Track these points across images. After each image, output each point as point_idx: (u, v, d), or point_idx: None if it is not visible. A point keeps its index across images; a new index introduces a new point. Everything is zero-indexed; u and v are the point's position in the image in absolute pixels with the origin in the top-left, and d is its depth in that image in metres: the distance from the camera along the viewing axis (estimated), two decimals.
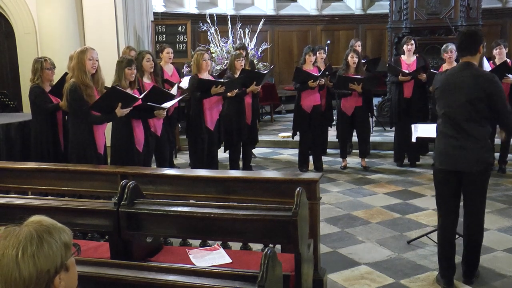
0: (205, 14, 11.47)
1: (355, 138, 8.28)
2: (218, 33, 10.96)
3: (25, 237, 1.63)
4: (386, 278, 4.43)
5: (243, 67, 7.39)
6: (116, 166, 4.91)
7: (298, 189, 3.19)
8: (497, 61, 7.42)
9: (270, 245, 3.53)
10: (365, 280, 4.41)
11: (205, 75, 6.90)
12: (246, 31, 11.19)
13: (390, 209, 6.18)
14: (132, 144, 5.61)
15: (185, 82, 7.58)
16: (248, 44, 10.92)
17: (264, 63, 11.14)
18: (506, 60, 7.34)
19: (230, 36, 11.13)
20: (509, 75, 7.16)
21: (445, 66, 7.56)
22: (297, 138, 8.09)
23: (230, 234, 3.31)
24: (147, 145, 5.95)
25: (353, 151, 8.79)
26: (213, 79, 7.04)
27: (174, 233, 3.69)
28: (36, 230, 1.66)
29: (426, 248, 4.97)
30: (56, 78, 6.35)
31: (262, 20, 11.72)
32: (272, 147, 9.70)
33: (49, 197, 4.21)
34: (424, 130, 5.07)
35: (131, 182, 3.44)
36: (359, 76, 7.59)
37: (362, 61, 8.31)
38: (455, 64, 7.42)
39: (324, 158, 8.34)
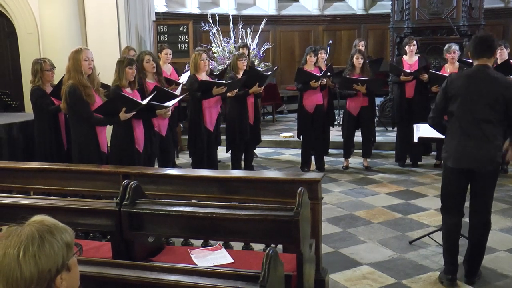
0: (207, 14, 11.47)
1: (357, 138, 8.27)
2: (220, 33, 10.96)
3: (26, 237, 1.63)
4: (388, 279, 4.42)
5: (245, 67, 7.38)
6: (118, 166, 4.91)
7: (300, 189, 3.19)
8: (499, 62, 7.40)
9: (272, 245, 3.53)
10: (367, 280, 4.41)
11: (203, 75, 6.89)
12: (248, 31, 11.18)
13: (392, 209, 6.17)
14: (132, 144, 5.61)
15: (184, 78, 7.58)
16: (250, 44, 10.91)
17: (266, 63, 11.13)
18: (508, 60, 7.33)
19: (232, 36, 11.12)
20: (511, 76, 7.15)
21: (447, 67, 7.55)
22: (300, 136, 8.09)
23: (232, 234, 3.31)
24: (150, 145, 5.95)
25: (355, 151, 8.78)
26: (212, 79, 7.05)
27: (176, 233, 3.70)
28: (37, 230, 1.66)
29: (428, 248, 4.96)
30: (57, 78, 6.35)
31: (264, 20, 11.71)
32: (274, 147, 9.70)
33: (51, 197, 4.21)
34: (426, 130, 5.06)
35: (133, 182, 3.44)
36: (363, 78, 7.59)
37: None
38: (457, 64, 7.44)
39: (326, 158, 8.34)
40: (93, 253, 3.60)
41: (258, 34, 11.27)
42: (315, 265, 3.80)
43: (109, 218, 3.40)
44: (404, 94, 7.80)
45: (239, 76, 7.26)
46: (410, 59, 7.92)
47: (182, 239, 4.25)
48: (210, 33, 10.97)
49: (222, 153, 8.00)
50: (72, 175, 4.56)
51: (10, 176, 4.68)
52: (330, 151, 8.98)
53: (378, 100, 9.62)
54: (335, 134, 9.16)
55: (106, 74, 5.95)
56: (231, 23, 11.26)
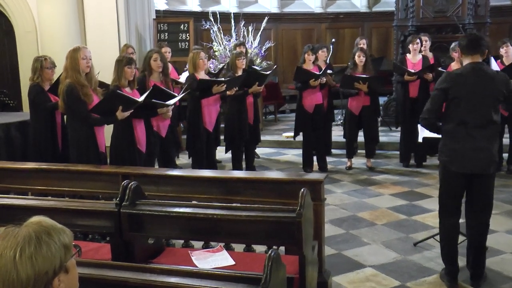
0: (208, 12, 11.45)
1: (361, 138, 8.27)
2: (221, 31, 10.95)
3: (23, 238, 1.63)
4: (392, 281, 4.42)
5: (244, 66, 7.37)
6: (117, 166, 4.91)
7: (302, 190, 3.19)
8: (505, 60, 7.40)
9: (274, 247, 3.53)
10: (370, 283, 4.40)
11: (202, 74, 6.89)
12: (250, 29, 11.16)
13: (396, 211, 6.16)
14: (133, 145, 5.61)
15: (183, 77, 7.58)
16: (251, 42, 10.91)
17: (268, 62, 11.12)
18: None
19: (233, 34, 11.11)
20: None
21: (453, 65, 7.54)
22: (300, 138, 8.08)
23: (233, 235, 3.31)
24: (150, 145, 5.95)
25: (359, 151, 8.77)
26: (211, 78, 7.04)
27: (177, 235, 3.70)
28: (35, 231, 1.66)
29: (432, 250, 4.95)
30: (56, 77, 6.35)
31: (266, 18, 11.69)
32: (275, 147, 9.69)
33: (49, 197, 4.21)
34: None
35: (132, 183, 3.45)
36: (364, 75, 7.58)
37: None
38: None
39: (329, 159, 8.33)
40: (92, 254, 3.59)
41: (259, 32, 11.26)
42: (317, 267, 3.79)
43: (108, 219, 3.40)
44: (408, 93, 7.80)
45: (238, 75, 7.24)
46: (414, 58, 7.91)
47: (182, 241, 4.26)
48: (211, 31, 10.96)
49: (223, 154, 8.00)
50: (71, 175, 4.57)
51: (7, 177, 4.69)
52: (333, 151, 8.97)
53: (382, 100, 9.61)
54: (338, 134, 9.15)
55: (106, 73, 5.95)
56: (232, 21, 11.24)
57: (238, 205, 3.68)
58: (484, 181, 4.16)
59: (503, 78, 4.14)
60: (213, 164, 7.10)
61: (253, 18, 12.10)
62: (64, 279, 1.68)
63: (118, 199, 3.40)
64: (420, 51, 7.94)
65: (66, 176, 4.57)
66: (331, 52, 8.78)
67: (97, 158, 5.25)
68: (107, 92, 5.46)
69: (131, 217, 3.34)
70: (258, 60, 10.61)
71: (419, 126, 5.21)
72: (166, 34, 10.33)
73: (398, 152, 8.43)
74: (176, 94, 6.31)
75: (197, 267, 3.36)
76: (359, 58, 7.71)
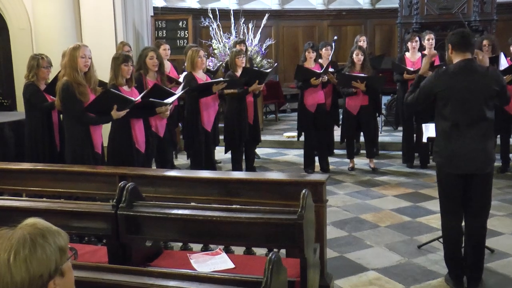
0: (207, 9, 11.47)
1: (363, 138, 8.27)
2: (221, 28, 10.96)
3: (17, 241, 1.63)
4: (396, 285, 4.42)
5: (244, 64, 7.36)
6: (114, 167, 4.91)
7: (303, 191, 3.19)
8: None
9: (275, 250, 3.53)
10: (373, 286, 4.40)
11: (200, 73, 6.89)
12: (250, 27, 11.18)
13: (399, 212, 6.16)
14: (132, 145, 5.61)
15: (182, 77, 7.59)
16: (251, 40, 10.91)
17: (268, 60, 11.13)
18: None
19: (233, 32, 11.12)
20: None
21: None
22: (302, 138, 8.08)
23: (232, 238, 3.31)
24: (148, 145, 5.95)
25: (361, 151, 8.78)
26: (208, 76, 7.05)
27: (175, 237, 3.69)
28: (29, 233, 1.65)
29: (437, 253, 4.95)
30: (52, 76, 6.35)
31: (266, 15, 11.71)
32: (276, 147, 9.70)
33: (45, 199, 4.21)
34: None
35: (130, 184, 3.44)
36: (362, 74, 7.58)
37: None
38: None
39: (331, 159, 8.33)
40: (89, 257, 3.59)
41: (260, 30, 11.27)
42: (319, 271, 3.79)
43: (105, 221, 3.40)
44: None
45: (238, 74, 7.24)
46: (413, 56, 7.92)
47: (181, 243, 4.25)
48: (210, 29, 10.97)
49: (223, 154, 8.01)
50: (66, 176, 4.57)
51: (1, 177, 4.68)
52: (335, 151, 8.97)
53: (385, 99, 9.62)
54: (340, 134, 9.15)
55: (102, 71, 5.94)
56: (232, 18, 11.25)
57: (238, 206, 3.68)
58: (481, 181, 4.17)
59: (494, 74, 4.18)
60: (212, 164, 7.10)
61: (253, 15, 12.12)
62: (59, 283, 1.68)
63: (115, 200, 3.39)
64: (424, 49, 7.94)
65: (61, 177, 4.57)
66: (333, 50, 8.78)
67: (92, 158, 5.26)
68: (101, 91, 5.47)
69: (128, 219, 3.33)
70: (259, 58, 10.62)
71: (423, 126, 5.23)
72: (164, 31, 10.33)
73: (401, 153, 8.44)
74: (175, 92, 6.32)
75: (196, 270, 3.36)
76: (357, 57, 7.70)
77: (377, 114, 8.28)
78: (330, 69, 7.92)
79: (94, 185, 4.45)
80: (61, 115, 6.08)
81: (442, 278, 4.48)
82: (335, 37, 11.15)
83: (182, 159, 8.85)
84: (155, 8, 11.02)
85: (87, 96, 5.16)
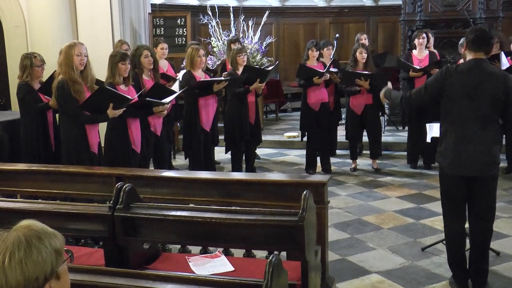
0: (206, 6, 11.47)
1: (365, 138, 8.27)
2: (220, 26, 10.96)
3: (12, 243, 1.63)
4: None
5: (245, 62, 7.36)
6: (111, 168, 4.92)
7: (304, 192, 3.19)
8: None
9: (275, 252, 3.52)
10: None
11: (199, 72, 6.89)
12: (250, 24, 11.18)
13: (403, 214, 6.17)
14: (128, 145, 5.62)
15: (181, 76, 7.58)
16: (251, 38, 10.91)
17: (269, 58, 11.13)
18: None
19: (233, 29, 11.12)
20: None
21: (462, 62, 7.55)
22: (305, 138, 8.08)
23: (232, 240, 3.31)
24: (146, 145, 5.96)
25: (364, 152, 8.78)
26: (208, 75, 7.05)
27: (173, 239, 3.69)
28: (24, 235, 1.66)
29: (441, 256, 4.95)
30: (46, 74, 6.35)
31: (267, 12, 11.70)
32: (277, 147, 9.70)
33: (40, 200, 4.22)
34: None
35: (127, 185, 3.45)
36: (366, 72, 7.58)
37: None
38: None
39: (333, 160, 8.34)
40: (85, 260, 3.60)
41: (260, 27, 11.27)
42: (321, 274, 3.79)
43: (101, 223, 3.40)
44: None
45: (239, 72, 7.24)
46: (420, 54, 7.91)
47: (179, 246, 4.25)
48: (210, 26, 10.97)
49: (222, 154, 8.01)
50: (62, 177, 4.57)
51: None
52: (338, 152, 8.97)
53: None
54: (342, 133, 9.15)
55: (99, 69, 5.94)
56: (231, 15, 11.26)
57: (238, 208, 3.68)
58: (485, 183, 4.17)
59: (503, 75, 4.15)
60: (211, 164, 7.10)
61: (253, 12, 12.12)
62: (55, 286, 1.68)
63: (111, 202, 3.40)
64: (427, 47, 7.95)
65: (57, 178, 4.57)
66: (335, 48, 8.79)
67: (88, 158, 5.26)
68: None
69: (125, 221, 3.34)
70: (259, 57, 10.61)
71: (427, 125, 5.23)
72: (162, 29, 10.33)
73: (405, 153, 8.43)
74: (176, 91, 6.32)
75: (194, 273, 3.36)
76: (361, 55, 7.71)
77: (380, 114, 8.28)
78: (332, 68, 7.93)
79: (90, 186, 4.46)
80: (57, 115, 6.09)
81: (447, 281, 4.48)
82: (337, 35, 11.16)
83: (180, 159, 8.85)
84: (152, 5, 11.02)
85: (82, 95, 5.16)
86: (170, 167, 7.40)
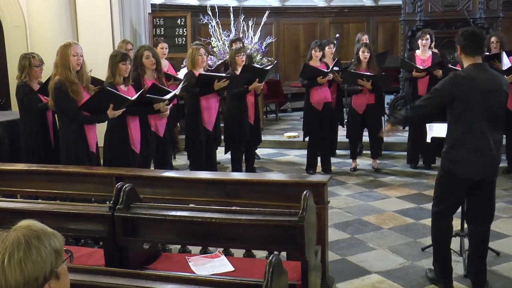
0: (206, 6, 11.47)
1: (366, 138, 8.27)
2: (220, 26, 10.96)
3: (12, 243, 1.63)
4: None
5: (244, 62, 7.35)
6: (111, 168, 4.92)
7: (305, 192, 3.19)
8: None
9: (275, 252, 3.52)
10: None
11: (201, 71, 6.87)
12: (250, 24, 11.18)
13: (403, 214, 6.16)
14: (128, 145, 5.61)
15: (181, 74, 7.58)
16: (251, 38, 10.91)
17: (269, 58, 11.13)
18: None
19: (233, 29, 11.12)
20: None
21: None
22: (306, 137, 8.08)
23: (232, 240, 3.31)
24: (147, 145, 5.95)
25: (364, 152, 8.78)
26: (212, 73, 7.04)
27: (173, 239, 3.70)
28: (24, 235, 1.66)
29: None
30: (45, 74, 6.34)
31: (267, 12, 11.70)
32: (277, 147, 9.69)
33: (40, 200, 4.22)
34: (440, 130, 5.05)
35: (127, 185, 3.45)
36: (368, 73, 7.58)
37: None
38: None
39: (333, 160, 8.33)
40: (85, 260, 3.60)
41: (260, 27, 11.27)
42: (321, 274, 3.79)
43: (101, 223, 3.40)
44: (417, 91, 7.79)
45: (238, 72, 7.23)
46: (423, 54, 7.91)
47: (179, 246, 4.25)
48: (210, 26, 10.97)
49: (223, 154, 8.00)
50: (62, 177, 4.57)
51: None
52: (338, 152, 8.96)
53: (388, 98, 9.62)
54: (342, 133, 9.15)
55: (99, 69, 5.95)
56: (231, 16, 11.25)
57: (238, 208, 3.68)
58: (488, 186, 4.20)
59: (504, 79, 4.24)
60: (212, 164, 7.09)
61: (253, 12, 12.11)
62: (55, 286, 1.68)
63: (111, 202, 3.40)
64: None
65: (57, 178, 4.57)
66: (335, 48, 8.78)
67: (87, 158, 5.26)
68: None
69: (125, 221, 3.34)
70: (259, 57, 10.61)
71: (427, 125, 5.23)
72: (162, 29, 10.33)
73: (405, 153, 8.43)
74: (173, 90, 6.32)
75: (194, 273, 3.36)
76: (363, 54, 7.71)
77: (382, 114, 8.28)
78: (334, 68, 7.94)
79: (90, 186, 4.46)
80: (56, 115, 6.08)
81: None
82: (337, 35, 11.16)
83: (181, 159, 8.85)
84: (152, 5, 11.02)
85: (80, 95, 5.16)
86: (171, 167, 7.38)
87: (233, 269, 3.51)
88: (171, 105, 6.28)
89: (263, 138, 8.28)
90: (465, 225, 4.62)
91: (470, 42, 4.09)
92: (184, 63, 10.02)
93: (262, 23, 11.42)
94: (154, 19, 10.37)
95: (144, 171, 4.79)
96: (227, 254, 3.88)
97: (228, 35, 10.82)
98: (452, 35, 9.51)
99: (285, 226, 3.12)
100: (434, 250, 4.46)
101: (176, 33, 10.35)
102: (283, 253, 3.82)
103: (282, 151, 9.49)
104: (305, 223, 3.05)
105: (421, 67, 7.68)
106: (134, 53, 6.69)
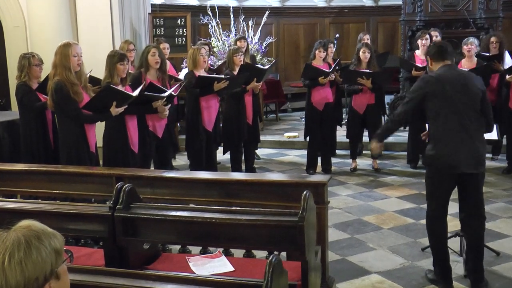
0: (206, 6, 11.47)
1: (366, 138, 8.27)
2: (220, 26, 10.96)
3: (12, 243, 1.63)
4: None
5: (242, 62, 7.33)
6: (111, 168, 4.92)
7: (305, 192, 3.19)
8: None
9: (275, 252, 3.52)
10: None
11: (202, 72, 6.87)
12: (250, 24, 11.18)
13: (403, 214, 6.16)
14: (127, 145, 5.61)
15: (182, 75, 7.58)
16: (251, 38, 10.91)
17: (269, 58, 11.13)
18: None
19: (233, 29, 11.12)
20: None
21: (464, 62, 7.57)
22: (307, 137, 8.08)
23: (232, 240, 3.31)
24: (145, 145, 5.94)
25: (364, 152, 8.78)
26: (210, 74, 7.03)
27: (173, 239, 3.70)
28: (24, 236, 1.66)
29: None
30: (45, 74, 6.34)
31: (267, 12, 11.70)
32: (277, 147, 9.69)
33: (39, 200, 4.21)
34: None
35: (127, 185, 3.44)
36: (367, 70, 7.58)
37: None
38: (475, 60, 7.48)
39: (333, 160, 8.33)
40: (85, 260, 3.60)
41: (260, 27, 11.27)
42: (321, 274, 3.79)
43: (101, 223, 3.40)
44: None
45: (235, 72, 7.22)
46: (423, 54, 7.91)
47: (179, 246, 4.25)
48: (210, 26, 10.97)
49: (222, 155, 8.00)
50: (62, 177, 4.57)
51: None
52: (338, 152, 8.95)
53: (388, 98, 9.62)
54: (342, 133, 9.15)
55: (99, 70, 5.95)
56: (231, 16, 11.25)
57: (238, 208, 3.68)
58: (476, 179, 4.24)
59: (478, 78, 4.40)
60: (213, 165, 7.09)
61: (253, 12, 12.11)
62: (55, 286, 1.68)
63: (111, 202, 3.39)
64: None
65: (57, 178, 4.57)
66: (335, 48, 8.79)
67: (88, 158, 5.25)
68: (100, 88, 5.46)
69: (125, 221, 3.33)
70: (259, 57, 10.61)
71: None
72: (162, 29, 10.32)
73: (405, 153, 8.43)
74: (174, 93, 6.31)
75: (194, 273, 3.36)
76: (364, 54, 7.71)
77: (382, 113, 8.28)
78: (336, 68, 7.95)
79: (90, 186, 4.46)
80: (56, 115, 6.08)
81: None
82: (337, 35, 11.16)
83: (181, 159, 8.85)
84: (152, 5, 11.01)
85: (80, 95, 5.14)
86: (171, 167, 7.38)
87: (233, 269, 3.51)
88: (169, 105, 6.28)
89: (263, 138, 8.29)
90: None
91: (436, 49, 4.38)
92: (184, 63, 10.03)
93: (262, 23, 11.42)
94: (154, 19, 10.37)
95: (144, 171, 4.79)
96: (227, 254, 3.88)
97: (228, 35, 10.83)
98: (452, 35, 9.55)
99: (285, 226, 3.12)
100: (432, 251, 4.49)
101: (176, 33, 10.35)
102: (283, 253, 3.82)
103: (282, 151, 9.49)
104: (305, 223, 3.05)
105: (420, 66, 7.68)
106: (143, 50, 6.69)
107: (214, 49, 10.72)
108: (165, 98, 6.01)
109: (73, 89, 5.09)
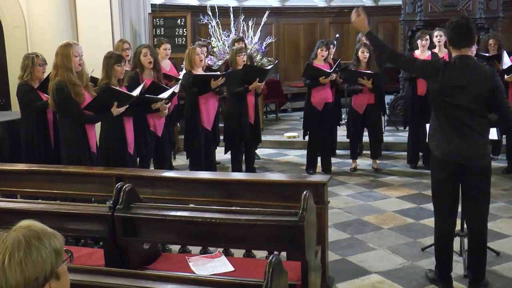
0: (206, 6, 11.47)
1: (366, 138, 8.27)
2: (220, 26, 10.96)
3: (12, 243, 1.63)
4: None
5: (245, 62, 7.35)
6: (111, 168, 4.91)
7: (305, 192, 3.19)
8: None
9: (275, 252, 3.52)
10: None
11: (199, 71, 6.88)
12: (250, 24, 11.18)
13: (403, 214, 6.16)
14: (125, 145, 5.60)
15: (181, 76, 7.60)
16: (251, 38, 10.91)
17: (269, 58, 11.13)
18: None
19: (233, 29, 11.12)
20: None
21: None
22: (306, 137, 8.08)
23: (232, 240, 3.31)
24: (145, 145, 5.93)
25: (364, 152, 8.78)
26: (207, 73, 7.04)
27: (173, 239, 3.69)
28: (24, 236, 1.65)
29: None
30: (46, 74, 6.35)
31: (267, 12, 11.71)
32: (277, 147, 9.69)
33: (40, 200, 4.21)
34: None
35: (127, 185, 3.45)
36: (369, 71, 7.58)
37: None
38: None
39: (333, 160, 8.33)
40: (85, 260, 3.60)
41: (260, 27, 11.27)
42: (321, 274, 3.79)
43: (101, 223, 3.40)
44: (416, 91, 7.78)
45: None
46: (423, 54, 7.90)
47: (179, 246, 4.25)
48: (210, 26, 10.97)
49: (222, 154, 8.01)
50: (62, 177, 4.57)
51: None
52: (338, 152, 8.96)
53: (388, 98, 9.63)
54: (342, 134, 9.15)
55: (99, 70, 5.93)
56: (231, 16, 11.26)
57: (238, 208, 3.68)
58: (475, 175, 4.19)
59: (490, 75, 4.17)
60: (212, 164, 7.09)
61: (253, 12, 12.11)
62: (55, 286, 1.68)
63: (111, 202, 3.40)
64: (434, 47, 7.93)
65: (57, 178, 4.57)
66: (335, 48, 8.79)
67: (89, 159, 5.25)
68: (100, 89, 5.45)
69: (125, 221, 3.34)
70: (259, 57, 10.61)
71: (427, 125, 5.23)
72: (162, 29, 10.33)
73: (405, 153, 8.43)
74: (174, 88, 6.32)
75: (194, 273, 3.36)
76: (363, 54, 7.71)
77: (381, 113, 8.28)
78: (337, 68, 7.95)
79: (90, 186, 4.46)
80: (57, 115, 6.08)
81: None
82: (337, 35, 11.16)
83: (180, 159, 8.85)
84: (152, 5, 11.02)
85: (82, 96, 5.14)
86: (171, 167, 7.39)
87: (233, 269, 3.51)
88: (170, 104, 6.28)
89: (263, 138, 8.28)
90: (465, 226, 4.61)
91: (457, 36, 4.15)
92: (184, 63, 10.03)
93: (262, 23, 11.43)
94: (154, 19, 10.37)
95: (144, 171, 4.80)
96: (227, 254, 3.88)
97: (228, 35, 10.82)
98: None
99: (285, 226, 3.12)
100: (435, 250, 4.46)
101: (176, 33, 10.36)
102: (283, 253, 3.82)
103: (282, 151, 9.49)
104: (305, 223, 3.05)
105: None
106: (135, 51, 6.70)
107: (214, 49, 10.72)
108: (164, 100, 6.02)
109: (74, 90, 5.07)
